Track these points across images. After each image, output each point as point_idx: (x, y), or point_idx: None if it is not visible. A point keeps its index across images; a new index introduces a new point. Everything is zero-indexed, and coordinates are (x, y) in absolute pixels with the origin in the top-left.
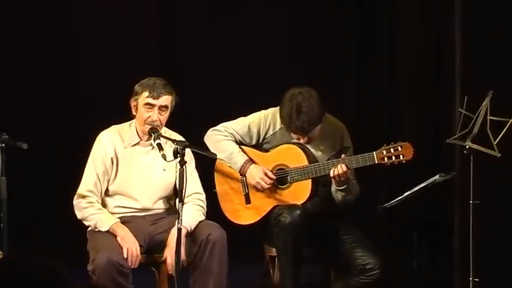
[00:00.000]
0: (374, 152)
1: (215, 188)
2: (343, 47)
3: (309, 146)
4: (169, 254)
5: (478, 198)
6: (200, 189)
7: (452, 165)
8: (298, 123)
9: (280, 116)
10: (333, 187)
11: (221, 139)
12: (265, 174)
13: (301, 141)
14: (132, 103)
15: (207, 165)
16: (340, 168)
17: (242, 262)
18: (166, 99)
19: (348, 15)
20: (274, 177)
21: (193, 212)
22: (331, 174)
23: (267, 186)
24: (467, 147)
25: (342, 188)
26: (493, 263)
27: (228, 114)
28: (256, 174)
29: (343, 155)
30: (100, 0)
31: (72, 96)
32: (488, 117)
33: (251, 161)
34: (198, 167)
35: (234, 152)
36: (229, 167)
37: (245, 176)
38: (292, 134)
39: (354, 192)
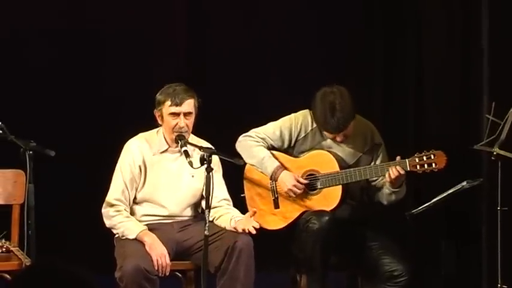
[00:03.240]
0: (406, 160)
1: (243, 194)
2: (370, 52)
3: (341, 144)
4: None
5: (506, 204)
6: (228, 196)
7: (480, 171)
8: (334, 122)
9: (314, 117)
10: (387, 190)
11: (252, 145)
12: (297, 181)
13: (337, 139)
14: (157, 113)
15: (235, 172)
16: (395, 171)
17: (269, 269)
18: (189, 104)
19: (374, 21)
20: (306, 183)
21: (234, 210)
22: (388, 178)
23: (298, 192)
24: (494, 153)
25: (398, 189)
26: None
27: (256, 119)
28: (288, 181)
29: (398, 157)
30: (125, 7)
31: (98, 104)
32: None
33: (282, 166)
34: (226, 173)
35: (265, 157)
36: (258, 173)
37: (275, 182)
38: (327, 133)
39: (405, 189)
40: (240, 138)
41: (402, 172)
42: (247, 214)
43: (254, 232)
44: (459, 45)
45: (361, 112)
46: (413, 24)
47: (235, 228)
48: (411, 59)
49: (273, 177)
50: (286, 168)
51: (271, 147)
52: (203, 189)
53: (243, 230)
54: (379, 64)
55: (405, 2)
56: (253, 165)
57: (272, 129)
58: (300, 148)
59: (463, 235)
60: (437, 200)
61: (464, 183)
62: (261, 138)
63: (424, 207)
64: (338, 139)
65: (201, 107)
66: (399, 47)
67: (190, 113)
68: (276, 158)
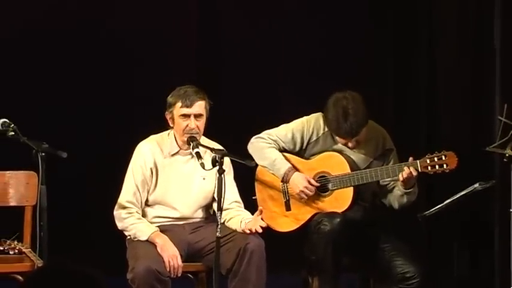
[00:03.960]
0: (418, 161)
1: (255, 196)
2: (383, 54)
3: (353, 150)
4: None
5: None
6: (239, 198)
7: (492, 173)
8: (347, 127)
9: (326, 122)
10: (399, 191)
11: (264, 146)
12: (309, 182)
13: (349, 145)
14: (168, 116)
15: (246, 174)
16: (407, 171)
17: (281, 271)
18: (199, 106)
19: (387, 26)
20: (318, 185)
21: (245, 212)
22: (401, 178)
23: (310, 194)
24: (507, 155)
25: (410, 190)
26: None
27: (268, 121)
28: (300, 183)
29: (411, 158)
30: (136, 10)
31: (110, 106)
32: None
33: (294, 168)
34: (238, 175)
35: (277, 159)
36: (270, 174)
37: (286, 184)
38: (339, 139)
39: (417, 191)
40: (252, 139)
41: (414, 173)
42: (255, 214)
43: (260, 231)
44: (471, 46)
45: (373, 115)
46: (425, 26)
47: (243, 230)
48: (423, 61)
49: (285, 179)
50: (297, 170)
51: (282, 150)
52: (214, 191)
53: (250, 230)
54: (391, 66)
55: (417, 4)
56: (265, 166)
57: (284, 132)
58: (311, 151)
59: (476, 237)
60: (449, 202)
61: (477, 185)
62: (273, 140)
63: (437, 209)
64: (350, 145)
65: (212, 109)
66: (411, 48)
67: (201, 115)
68: (288, 160)
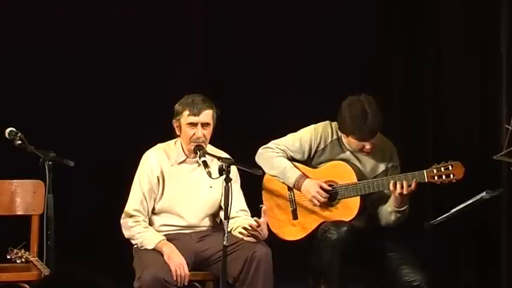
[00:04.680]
0: (424, 171)
1: (262, 205)
2: (389, 63)
3: (360, 158)
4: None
5: None
6: (246, 207)
7: (499, 182)
8: (368, 125)
9: (343, 127)
10: (389, 208)
11: (273, 156)
12: (320, 187)
13: (367, 147)
14: (175, 124)
15: (253, 183)
16: (403, 185)
17: (288, 279)
18: (207, 114)
19: (393, 32)
20: (329, 188)
21: (252, 220)
22: (396, 193)
23: (323, 199)
24: None
25: (402, 208)
26: None
27: (275, 130)
28: (312, 188)
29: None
30: (144, 19)
31: (117, 114)
32: None
33: (305, 175)
34: (245, 184)
35: (287, 167)
36: (277, 183)
37: (292, 191)
38: (355, 143)
39: (406, 214)
40: (260, 150)
41: (413, 187)
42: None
43: (250, 229)
44: (478, 54)
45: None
46: (432, 34)
47: (246, 231)
48: (430, 69)
49: (296, 186)
50: (308, 178)
51: (291, 159)
52: (221, 200)
53: (251, 226)
54: (398, 75)
55: (424, 11)
56: (275, 175)
57: (292, 141)
58: (318, 160)
59: (483, 245)
60: (456, 211)
61: (484, 193)
62: (281, 150)
63: (444, 218)
64: (368, 147)
65: (219, 118)
66: (418, 57)
67: (208, 124)
68: (297, 168)
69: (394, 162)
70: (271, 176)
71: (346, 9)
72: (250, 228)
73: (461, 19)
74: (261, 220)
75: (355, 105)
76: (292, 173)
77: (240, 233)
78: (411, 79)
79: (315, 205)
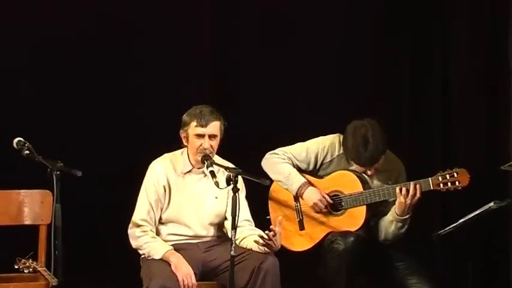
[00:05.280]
0: (429, 178)
1: (269, 215)
2: (398, 71)
3: (366, 177)
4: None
5: None
6: (250, 217)
7: (507, 192)
8: (367, 155)
9: (346, 150)
10: (390, 217)
11: (278, 161)
12: (323, 196)
13: (368, 173)
14: (182, 134)
15: (260, 194)
16: (413, 189)
17: None
18: (214, 126)
19: (402, 38)
20: (331, 201)
21: (257, 231)
22: (401, 199)
23: (323, 208)
24: None
25: (404, 217)
26: None
27: (284, 140)
28: (313, 196)
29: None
30: (153, 28)
31: (125, 124)
32: None
33: (308, 183)
34: (251, 195)
35: (291, 173)
36: (283, 193)
37: (298, 201)
38: (358, 167)
39: (406, 225)
40: (267, 155)
41: (418, 194)
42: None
43: (267, 237)
44: (486, 62)
45: (389, 134)
46: (440, 42)
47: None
48: (438, 77)
49: (299, 193)
50: (312, 185)
51: (296, 168)
52: (226, 210)
53: (262, 238)
54: (407, 85)
55: (432, 18)
56: (279, 181)
57: (299, 150)
58: (324, 172)
59: (491, 255)
60: (464, 221)
61: (492, 203)
62: (287, 157)
63: (451, 228)
64: (369, 173)
65: (228, 128)
66: (426, 68)
67: (215, 136)
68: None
69: (400, 183)
70: (276, 181)
71: (355, 22)
72: (266, 237)
73: (470, 27)
74: (277, 230)
75: (358, 133)
76: (296, 179)
77: (256, 241)
78: (419, 90)
79: (317, 212)
